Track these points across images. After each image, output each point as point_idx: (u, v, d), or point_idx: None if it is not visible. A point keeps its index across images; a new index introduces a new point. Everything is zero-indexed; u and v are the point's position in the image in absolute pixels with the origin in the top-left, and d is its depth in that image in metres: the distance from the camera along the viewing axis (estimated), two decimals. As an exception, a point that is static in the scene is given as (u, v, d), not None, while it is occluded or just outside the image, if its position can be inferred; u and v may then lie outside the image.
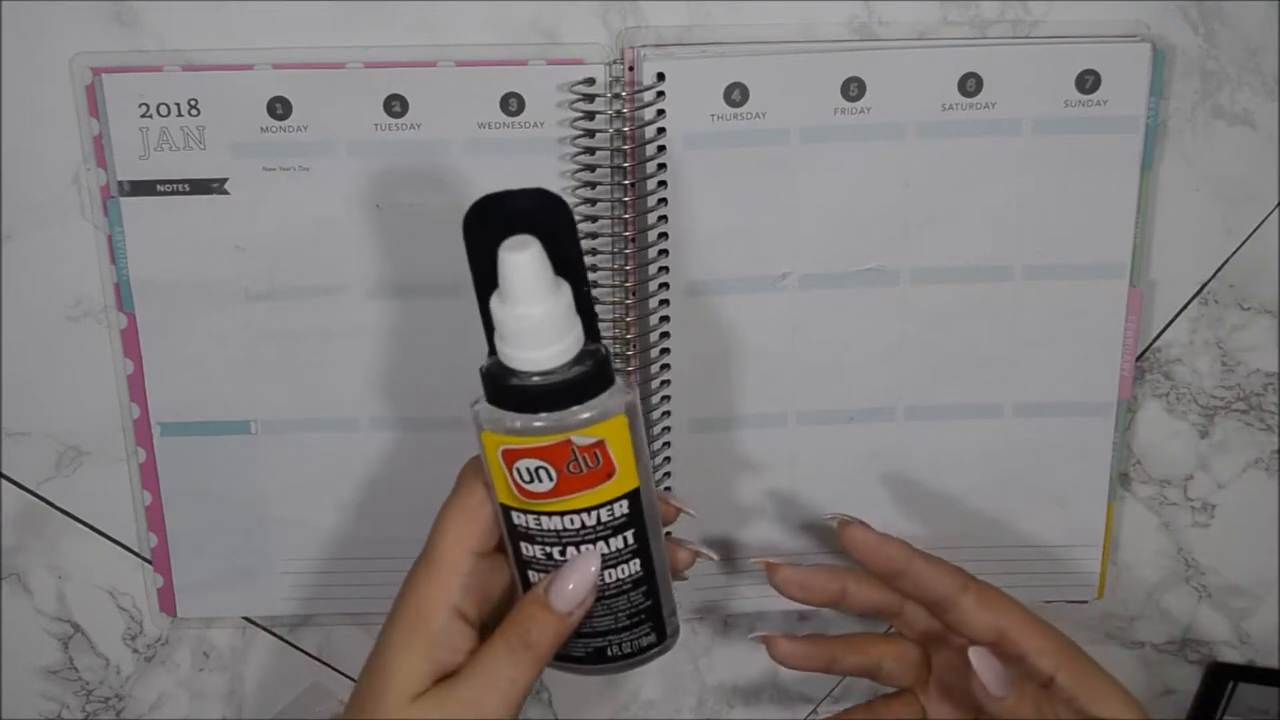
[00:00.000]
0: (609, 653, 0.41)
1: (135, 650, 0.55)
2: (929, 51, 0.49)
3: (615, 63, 0.48)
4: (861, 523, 0.45)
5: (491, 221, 0.36)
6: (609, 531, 0.38)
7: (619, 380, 0.37)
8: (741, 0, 0.48)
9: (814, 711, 0.58)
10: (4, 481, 0.53)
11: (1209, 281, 0.53)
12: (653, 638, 0.41)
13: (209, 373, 0.51)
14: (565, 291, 0.36)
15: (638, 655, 0.41)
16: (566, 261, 0.36)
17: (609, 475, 0.37)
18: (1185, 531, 0.56)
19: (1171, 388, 0.54)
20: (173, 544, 0.53)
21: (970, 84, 0.48)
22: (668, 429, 0.52)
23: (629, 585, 0.39)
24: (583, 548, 0.38)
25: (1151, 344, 0.53)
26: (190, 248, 0.49)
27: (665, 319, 0.50)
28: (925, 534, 0.54)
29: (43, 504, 0.53)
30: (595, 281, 0.50)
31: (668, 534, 0.42)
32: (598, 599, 0.39)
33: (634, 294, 0.50)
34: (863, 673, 0.48)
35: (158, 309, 0.50)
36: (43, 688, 0.56)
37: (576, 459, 0.36)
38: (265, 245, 0.49)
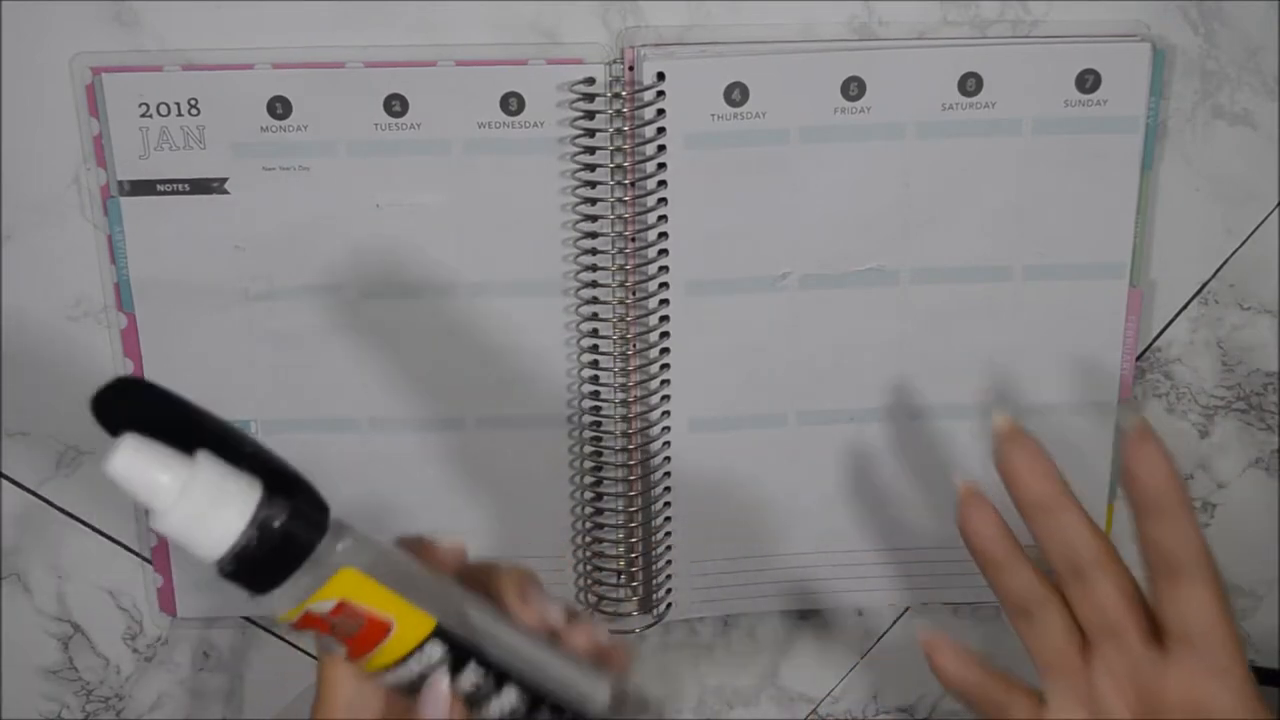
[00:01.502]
0: None
1: (135, 650, 0.55)
2: (929, 51, 0.49)
3: (615, 62, 0.48)
4: (943, 641, 0.43)
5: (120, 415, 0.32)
6: (446, 671, 0.35)
7: (334, 533, 0.33)
8: (741, 0, 0.48)
9: (814, 711, 0.58)
10: (4, 481, 0.53)
11: (1209, 281, 0.53)
12: None
13: (209, 373, 0.51)
14: (205, 466, 0.31)
15: None
16: (205, 432, 0.32)
17: (385, 631, 0.34)
18: (1185, 531, 0.56)
19: (1171, 387, 0.54)
20: (173, 544, 0.53)
21: (970, 84, 0.48)
22: (668, 429, 0.52)
23: (524, 714, 0.36)
24: (428, 681, 0.35)
25: (1151, 344, 0.53)
26: (190, 248, 0.49)
27: (665, 319, 0.50)
28: (926, 534, 0.54)
29: (43, 504, 0.53)
30: (595, 281, 0.50)
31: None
32: None
33: (634, 294, 0.50)
34: (995, 715, 0.43)
35: (158, 309, 0.50)
36: (43, 688, 0.56)
37: (334, 624, 0.33)
38: (265, 245, 0.49)
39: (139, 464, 0.31)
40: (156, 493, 0.31)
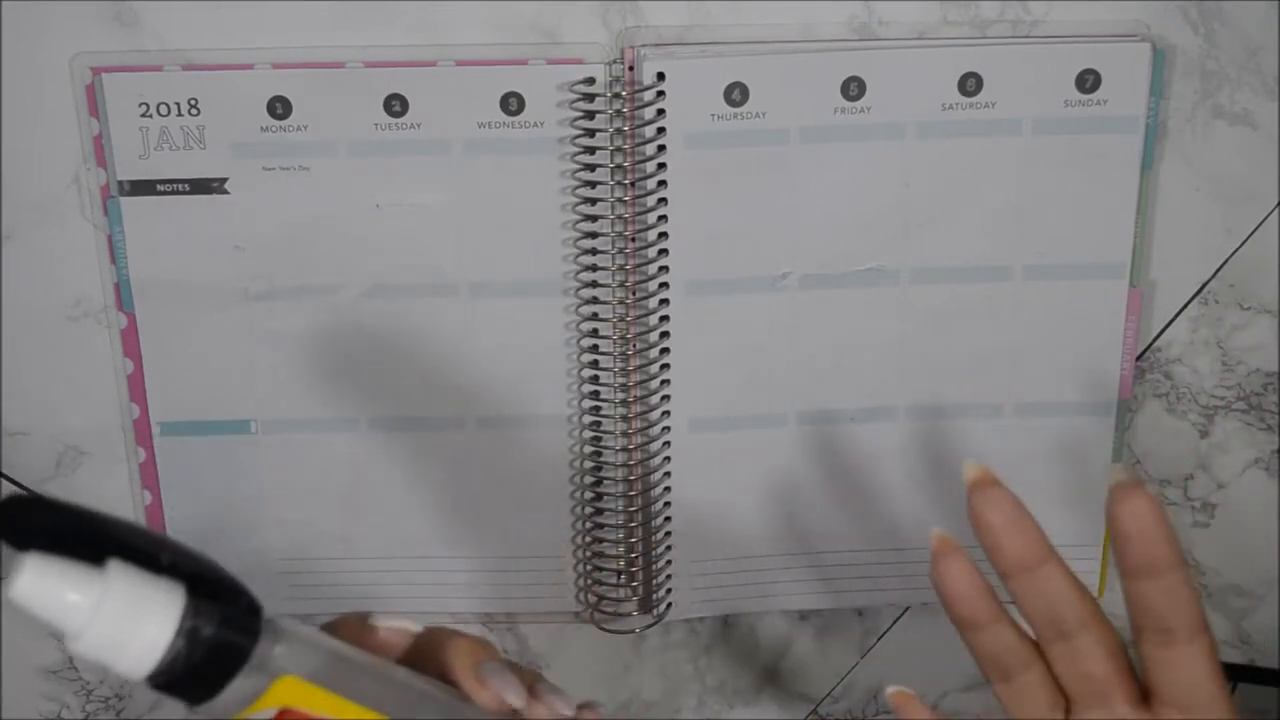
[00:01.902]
0: None
1: (135, 650, 0.55)
2: (929, 51, 0.49)
3: (615, 62, 0.48)
4: (912, 700, 0.40)
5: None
6: None
7: (269, 635, 0.31)
8: (741, 0, 0.48)
9: (814, 711, 0.58)
10: (4, 481, 0.53)
11: (1209, 281, 0.53)
12: None
13: (209, 373, 0.51)
14: (118, 578, 0.29)
15: None
16: (116, 540, 0.30)
17: None
18: (1185, 531, 0.56)
19: (1171, 388, 0.54)
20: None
21: (970, 84, 0.48)
22: (668, 429, 0.52)
23: None
24: None
25: (1151, 344, 0.53)
26: (190, 248, 0.49)
27: (665, 319, 0.50)
28: (926, 534, 0.54)
29: (43, 504, 0.53)
30: (595, 281, 0.50)
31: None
32: None
33: (634, 294, 0.50)
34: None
35: (158, 309, 0.50)
36: (43, 688, 0.56)
37: None
38: (265, 245, 0.49)
39: (44, 586, 0.28)
40: (68, 614, 0.28)
